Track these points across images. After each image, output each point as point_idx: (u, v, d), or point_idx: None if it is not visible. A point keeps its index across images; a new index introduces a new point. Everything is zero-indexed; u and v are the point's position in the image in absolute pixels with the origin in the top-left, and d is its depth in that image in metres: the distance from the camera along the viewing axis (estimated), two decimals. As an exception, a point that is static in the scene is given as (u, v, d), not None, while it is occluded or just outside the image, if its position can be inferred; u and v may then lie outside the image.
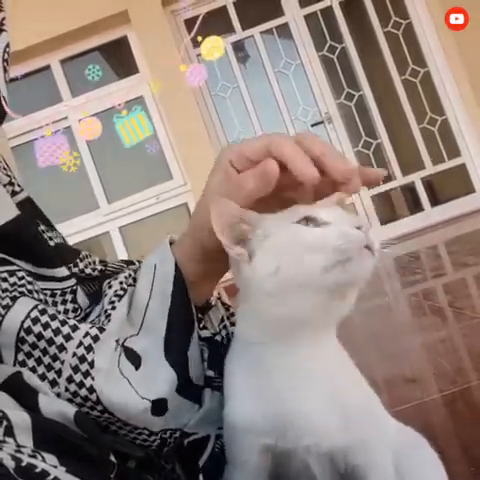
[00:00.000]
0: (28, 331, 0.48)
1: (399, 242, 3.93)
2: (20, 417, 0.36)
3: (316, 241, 0.43)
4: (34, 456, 0.33)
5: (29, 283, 0.51)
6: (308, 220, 0.44)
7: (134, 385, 0.50)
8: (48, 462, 0.33)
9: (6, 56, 0.54)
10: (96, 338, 0.49)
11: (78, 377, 0.48)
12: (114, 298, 0.55)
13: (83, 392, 0.48)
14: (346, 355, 0.49)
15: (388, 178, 4.30)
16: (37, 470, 0.31)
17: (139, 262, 0.63)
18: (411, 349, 1.44)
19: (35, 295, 0.51)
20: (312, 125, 4.30)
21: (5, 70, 0.54)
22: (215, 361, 0.55)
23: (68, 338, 0.49)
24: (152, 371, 0.51)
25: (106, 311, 0.54)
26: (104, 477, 0.40)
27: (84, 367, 0.48)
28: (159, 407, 0.50)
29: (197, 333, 0.55)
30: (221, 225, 0.45)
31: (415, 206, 4.31)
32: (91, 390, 0.48)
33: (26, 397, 0.43)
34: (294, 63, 4.31)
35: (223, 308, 0.62)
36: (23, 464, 0.31)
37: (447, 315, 1.70)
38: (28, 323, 0.48)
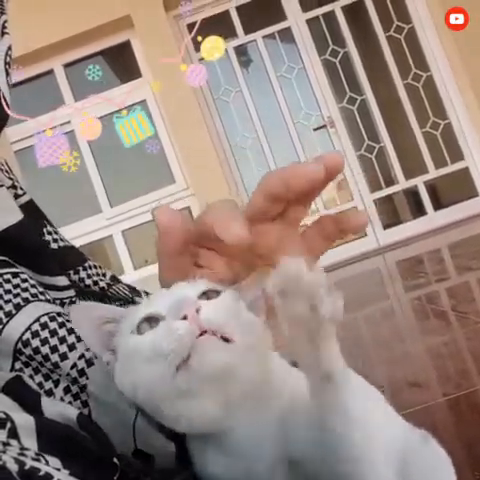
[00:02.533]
0: (26, 344, 0.47)
1: (402, 246, 3.92)
2: (24, 419, 0.36)
3: (148, 352, 0.37)
4: (38, 459, 0.33)
5: (32, 286, 0.50)
6: (148, 321, 0.39)
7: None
8: (51, 465, 0.33)
9: (8, 59, 0.54)
10: (90, 363, 0.48)
11: (75, 389, 0.47)
12: None
13: (77, 404, 0.47)
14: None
15: (391, 182, 4.31)
16: (40, 473, 0.31)
17: (146, 293, 0.61)
18: (415, 353, 1.43)
19: (41, 297, 0.50)
20: (314, 129, 4.31)
21: (7, 73, 0.54)
22: None
23: (64, 358, 0.47)
24: (144, 432, 0.48)
25: None
26: (108, 479, 0.39)
27: (75, 389, 0.47)
28: (142, 458, 0.48)
29: None
30: (85, 332, 0.41)
31: (418, 210, 4.30)
32: (85, 404, 0.47)
33: (28, 399, 0.42)
34: (296, 67, 4.32)
35: None
36: (26, 467, 0.30)
37: (451, 319, 1.69)
38: (27, 336, 0.47)
